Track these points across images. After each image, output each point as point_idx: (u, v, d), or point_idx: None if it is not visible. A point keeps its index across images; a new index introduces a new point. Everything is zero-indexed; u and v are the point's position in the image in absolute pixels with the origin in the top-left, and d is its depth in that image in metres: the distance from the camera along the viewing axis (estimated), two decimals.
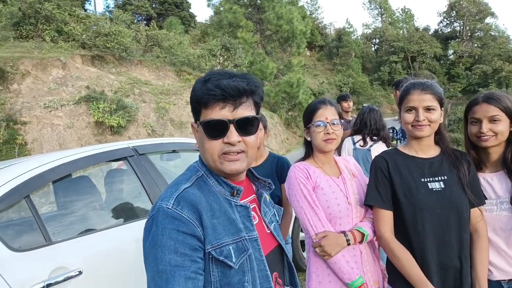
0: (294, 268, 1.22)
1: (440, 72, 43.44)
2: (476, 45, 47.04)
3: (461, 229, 1.50)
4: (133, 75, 13.29)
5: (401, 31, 51.12)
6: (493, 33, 48.36)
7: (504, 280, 1.59)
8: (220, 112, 0.98)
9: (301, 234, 3.85)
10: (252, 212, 1.09)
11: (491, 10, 48.31)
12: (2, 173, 1.98)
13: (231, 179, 1.07)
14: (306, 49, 33.45)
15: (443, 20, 50.34)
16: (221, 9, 21.86)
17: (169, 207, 0.92)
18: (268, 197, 1.23)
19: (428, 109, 1.54)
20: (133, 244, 2.13)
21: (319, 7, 57.35)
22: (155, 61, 15.02)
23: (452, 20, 49.42)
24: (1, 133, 8.33)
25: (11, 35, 12.17)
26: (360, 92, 35.91)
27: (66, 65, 10.95)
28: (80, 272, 1.89)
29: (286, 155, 13.09)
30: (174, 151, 3.14)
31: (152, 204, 2.29)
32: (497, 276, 1.59)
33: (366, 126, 3.39)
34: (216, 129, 0.98)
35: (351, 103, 5.06)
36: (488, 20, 48.94)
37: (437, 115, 1.55)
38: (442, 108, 1.59)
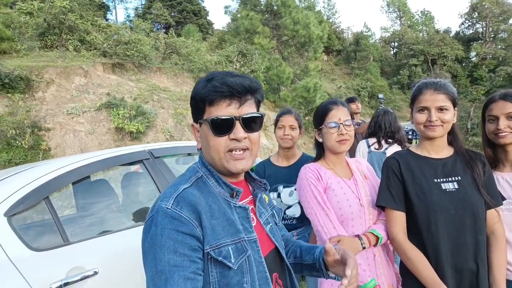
0: (292, 271, 1.18)
1: (462, 74, 42.30)
2: (499, 46, 45.59)
3: (477, 230, 1.46)
4: (152, 82, 13.57)
5: (421, 34, 50.16)
6: None
7: None
8: (227, 109, 0.99)
9: None
10: (251, 214, 1.08)
11: None
12: (22, 176, 2.07)
13: (231, 179, 1.07)
14: (323, 53, 33.27)
15: (465, 22, 49.09)
16: (238, 16, 22.05)
17: (169, 207, 0.92)
18: (267, 198, 1.22)
19: (441, 109, 1.51)
20: None
21: (336, 11, 56.98)
22: (173, 68, 15.31)
23: (474, 22, 48.13)
24: (26, 139, 8.64)
25: (37, 45, 12.68)
26: (385, 97, 35.40)
27: (88, 73, 11.31)
28: (96, 272, 1.93)
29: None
30: (189, 154, 3.19)
31: None
32: None
33: (381, 128, 3.33)
34: (222, 126, 0.99)
35: (359, 105, 5.02)
36: None
37: (450, 116, 1.52)
38: (455, 108, 1.56)
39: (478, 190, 1.49)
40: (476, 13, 47.00)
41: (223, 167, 1.03)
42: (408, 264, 1.50)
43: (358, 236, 1.59)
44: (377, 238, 1.60)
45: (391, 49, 53.44)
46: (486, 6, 45.31)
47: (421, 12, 54.62)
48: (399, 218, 1.56)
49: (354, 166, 1.81)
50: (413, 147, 1.69)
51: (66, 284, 1.80)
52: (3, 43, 11.80)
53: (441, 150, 1.59)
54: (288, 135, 2.36)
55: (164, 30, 28.51)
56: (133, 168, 3.18)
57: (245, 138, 1.01)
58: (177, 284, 0.84)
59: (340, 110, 1.71)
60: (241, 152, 1.01)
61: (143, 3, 36.58)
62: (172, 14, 33.64)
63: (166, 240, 0.88)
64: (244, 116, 1.00)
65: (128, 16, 39.92)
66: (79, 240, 2.07)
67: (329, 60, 46.87)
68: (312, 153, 2.02)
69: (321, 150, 1.82)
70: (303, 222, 2.31)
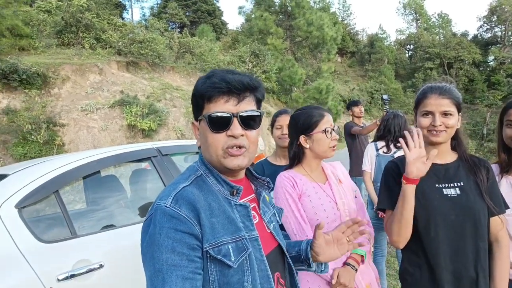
0: (294, 269, 1.19)
1: (479, 79, 41.45)
2: None
3: (478, 237, 1.43)
4: (165, 80, 13.73)
5: (437, 37, 49.37)
6: None
7: None
8: (225, 106, 0.99)
9: None
10: (252, 212, 1.08)
11: None
12: (33, 170, 2.13)
13: (230, 177, 1.07)
14: (337, 55, 33.09)
15: (483, 25, 48.11)
16: (252, 16, 22.11)
17: (167, 206, 0.92)
18: (267, 197, 1.22)
19: (445, 114, 1.48)
20: None
21: (351, 13, 56.49)
22: (186, 67, 15.45)
23: (493, 25, 47.10)
24: (42, 134, 8.85)
25: (54, 43, 12.98)
26: (393, 99, 35.01)
27: (102, 70, 11.52)
28: (101, 266, 1.97)
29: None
30: (197, 153, 3.23)
31: None
32: None
33: (390, 132, 3.29)
34: (220, 122, 0.99)
35: (362, 109, 4.93)
36: None
37: (454, 121, 1.50)
38: (460, 114, 1.54)
39: (481, 196, 1.46)
40: (495, 16, 46.00)
41: (220, 164, 1.02)
42: (397, 219, 1.44)
43: (347, 263, 1.61)
44: (362, 256, 1.65)
45: (406, 51, 52.75)
46: (505, 10, 44.28)
47: (438, 14, 53.78)
48: None
49: (329, 170, 1.82)
50: None
51: (72, 276, 1.85)
52: (22, 40, 12.12)
53: (444, 156, 1.57)
54: (286, 134, 2.37)
55: (178, 30, 28.76)
56: (143, 165, 3.23)
57: (242, 135, 1.00)
58: (175, 283, 0.84)
59: (330, 117, 1.75)
60: (238, 149, 1.01)
61: (158, 2, 37.02)
62: (187, 13, 33.93)
63: (164, 239, 0.87)
64: (242, 113, 1.00)
65: (143, 15, 40.46)
66: (87, 233, 2.13)
67: (342, 61, 46.56)
68: None
69: (299, 157, 1.78)
70: None
